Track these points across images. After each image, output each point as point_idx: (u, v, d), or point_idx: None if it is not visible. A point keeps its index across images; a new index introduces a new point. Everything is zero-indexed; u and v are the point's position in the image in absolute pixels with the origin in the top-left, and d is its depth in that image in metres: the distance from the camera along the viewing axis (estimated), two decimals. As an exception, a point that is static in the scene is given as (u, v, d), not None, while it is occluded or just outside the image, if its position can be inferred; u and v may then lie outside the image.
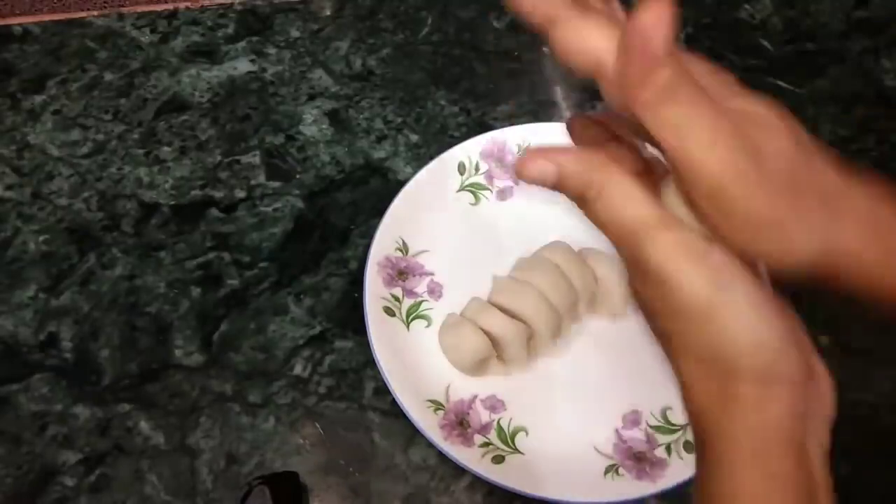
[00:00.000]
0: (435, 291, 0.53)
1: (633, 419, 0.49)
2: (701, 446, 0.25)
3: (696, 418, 0.25)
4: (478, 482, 0.47)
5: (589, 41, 0.24)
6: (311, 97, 0.62)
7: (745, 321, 0.24)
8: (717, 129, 0.24)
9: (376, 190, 0.58)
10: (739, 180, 0.23)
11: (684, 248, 0.24)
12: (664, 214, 0.24)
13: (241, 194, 0.58)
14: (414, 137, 0.60)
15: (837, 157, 0.26)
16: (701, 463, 0.25)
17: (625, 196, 0.24)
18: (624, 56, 0.23)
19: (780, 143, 0.25)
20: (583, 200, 0.25)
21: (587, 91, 0.63)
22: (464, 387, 0.50)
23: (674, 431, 0.48)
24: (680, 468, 0.46)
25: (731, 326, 0.24)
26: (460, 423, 0.48)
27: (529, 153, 0.25)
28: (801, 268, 0.25)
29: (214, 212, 0.57)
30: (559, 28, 0.24)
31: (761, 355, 0.24)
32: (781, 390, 0.24)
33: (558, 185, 0.25)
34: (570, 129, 0.29)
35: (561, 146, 0.26)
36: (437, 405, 0.48)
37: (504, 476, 0.46)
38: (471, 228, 0.56)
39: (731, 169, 0.23)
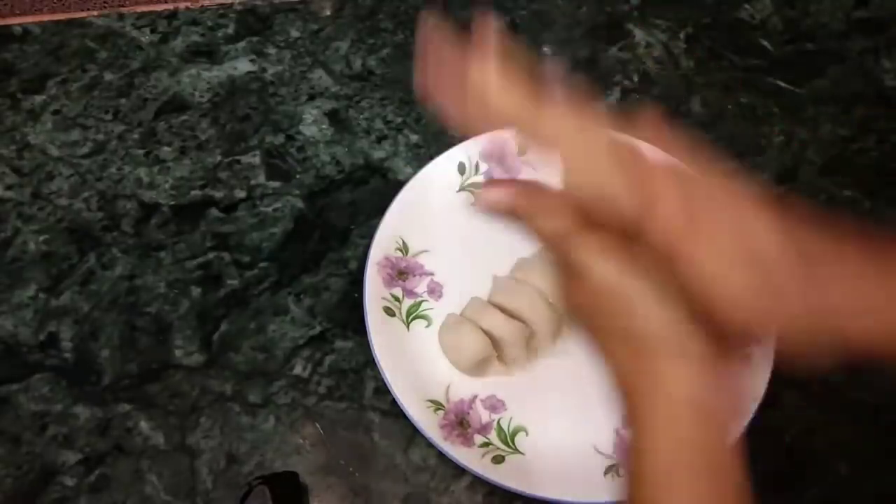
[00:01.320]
0: (435, 291, 0.53)
1: (633, 419, 0.49)
2: (629, 416, 0.29)
3: (624, 393, 0.29)
4: (478, 482, 0.47)
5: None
6: (311, 97, 0.62)
7: (652, 305, 0.27)
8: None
9: (376, 190, 0.58)
10: (746, 297, 0.27)
11: (598, 245, 0.28)
12: (585, 223, 0.29)
13: (241, 194, 0.58)
14: (414, 137, 0.60)
15: (827, 221, 0.28)
16: (631, 435, 0.29)
17: (556, 211, 0.30)
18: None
19: (771, 248, 0.27)
20: (529, 218, 0.31)
21: (587, 91, 0.63)
22: (464, 387, 0.50)
23: (674, 431, 0.48)
24: (680, 468, 0.46)
25: (641, 310, 0.28)
26: (460, 423, 0.48)
27: (488, 185, 0.32)
28: (801, 336, 0.27)
29: (214, 212, 0.57)
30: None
31: (671, 335, 0.27)
32: (691, 366, 0.27)
33: (511, 210, 0.31)
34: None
35: (510, 179, 0.32)
36: (437, 405, 0.48)
37: (504, 476, 0.46)
38: (471, 228, 0.55)
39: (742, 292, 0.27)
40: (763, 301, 0.27)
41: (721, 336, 0.28)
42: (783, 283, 0.27)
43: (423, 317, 0.52)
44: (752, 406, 0.46)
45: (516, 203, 0.31)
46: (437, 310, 0.52)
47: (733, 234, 0.27)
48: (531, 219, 0.31)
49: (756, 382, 0.47)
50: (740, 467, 0.28)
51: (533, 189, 0.31)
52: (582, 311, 0.30)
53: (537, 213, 0.30)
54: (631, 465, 0.28)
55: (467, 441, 0.47)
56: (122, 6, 0.68)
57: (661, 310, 0.27)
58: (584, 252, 0.29)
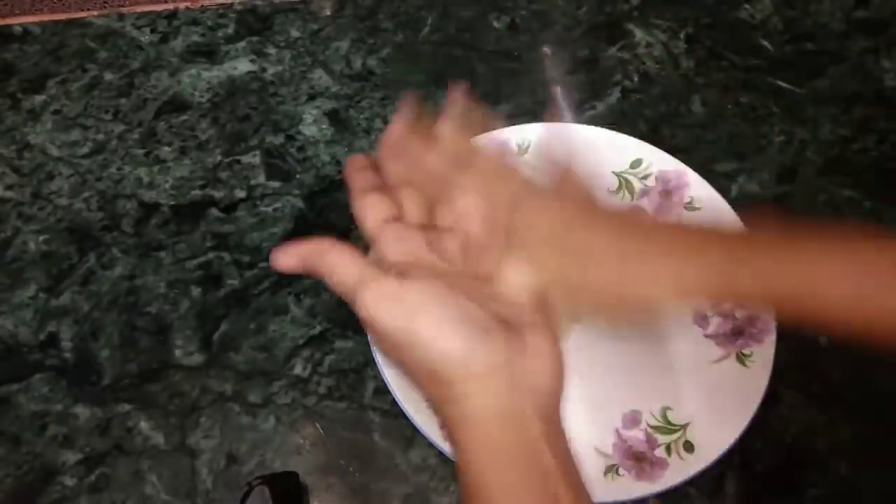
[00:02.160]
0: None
1: (633, 419, 0.49)
2: (452, 445, 0.32)
3: (443, 423, 0.32)
4: (478, 482, 0.47)
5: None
6: (311, 97, 0.62)
7: (432, 339, 0.30)
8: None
9: (376, 190, 0.58)
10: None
11: (380, 296, 0.32)
12: (368, 273, 0.33)
13: (241, 194, 0.58)
14: (414, 137, 0.60)
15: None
16: (455, 458, 0.31)
17: (342, 266, 0.34)
18: None
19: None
20: (322, 275, 0.34)
21: (587, 91, 0.63)
22: (464, 387, 0.50)
23: (674, 431, 0.48)
24: (680, 468, 0.46)
25: (425, 346, 0.31)
26: (460, 423, 0.48)
27: (279, 250, 0.36)
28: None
29: (214, 212, 0.57)
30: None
31: (454, 361, 0.30)
32: (481, 381, 0.30)
33: (304, 270, 0.35)
34: (348, 167, 0.39)
35: (302, 241, 0.35)
36: (437, 405, 0.48)
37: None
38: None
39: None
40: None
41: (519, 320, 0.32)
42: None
43: (423, 317, 0.52)
44: (752, 406, 0.46)
45: (308, 264, 0.35)
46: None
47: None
48: (326, 275, 0.34)
49: (756, 382, 0.47)
50: (558, 451, 0.30)
51: (323, 246, 0.35)
52: (385, 353, 0.35)
53: (329, 270, 0.34)
54: (460, 484, 0.31)
55: (467, 441, 0.47)
56: (122, 6, 0.68)
57: (442, 342, 0.30)
58: (365, 303, 0.32)
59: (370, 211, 0.36)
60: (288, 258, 0.35)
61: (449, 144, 0.36)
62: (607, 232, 0.34)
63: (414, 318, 0.31)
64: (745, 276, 0.31)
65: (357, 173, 0.39)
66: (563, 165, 0.37)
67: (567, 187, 0.36)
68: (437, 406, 0.33)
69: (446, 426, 0.32)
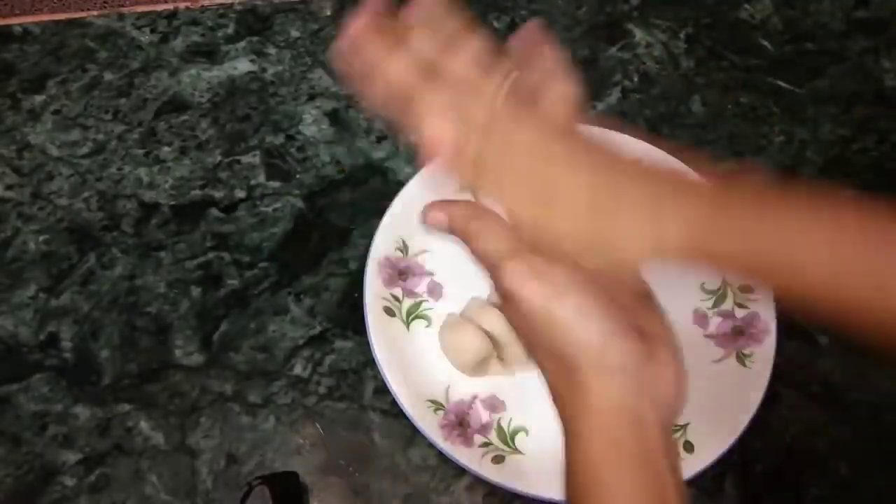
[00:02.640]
0: (435, 291, 0.53)
1: (633, 419, 0.48)
2: (564, 428, 0.31)
3: (558, 405, 0.32)
4: (478, 482, 0.47)
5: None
6: (311, 97, 0.62)
7: (575, 324, 0.30)
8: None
9: (376, 190, 0.58)
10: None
11: (527, 271, 0.31)
12: (516, 247, 0.31)
13: (241, 194, 0.58)
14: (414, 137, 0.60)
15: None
16: (565, 441, 0.31)
17: (491, 236, 0.32)
18: None
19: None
20: (467, 240, 0.33)
21: (587, 91, 0.63)
22: (464, 387, 0.50)
23: (674, 431, 0.48)
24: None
25: (565, 329, 0.30)
26: (460, 424, 0.48)
27: (430, 206, 0.34)
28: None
29: (214, 212, 0.57)
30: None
31: (591, 350, 0.30)
32: (612, 377, 0.30)
33: (450, 231, 0.34)
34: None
35: (455, 203, 0.34)
36: (437, 405, 0.48)
37: (504, 476, 0.46)
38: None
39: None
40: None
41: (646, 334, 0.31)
42: None
43: (423, 317, 0.52)
44: (752, 406, 0.46)
45: (455, 226, 0.34)
46: (437, 310, 0.52)
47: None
48: (469, 241, 0.33)
49: (756, 382, 0.47)
50: (671, 462, 0.30)
51: (472, 212, 0.33)
52: (517, 330, 0.33)
53: (474, 236, 0.33)
54: (566, 466, 0.31)
55: (467, 441, 0.47)
56: (122, 6, 0.68)
57: (582, 330, 0.30)
58: (512, 278, 0.31)
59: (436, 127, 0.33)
60: (439, 215, 0.34)
61: (428, 24, 0.32)
62: (576, 171, 0.32)
63: (558, 300, 0.30)
64: (724, 236, 0.30)
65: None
66: (545, 67, 0.34)
67: (548, 101, 0.33)
68: (557, 393, 0.32)
69: (561, 415, 0.32)
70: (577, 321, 0.30)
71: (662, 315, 0.34)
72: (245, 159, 0.60)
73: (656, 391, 0.30)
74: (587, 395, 0.30)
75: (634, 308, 0.32)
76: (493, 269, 0.32)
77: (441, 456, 0.47)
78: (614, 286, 0.32)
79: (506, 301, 0.32)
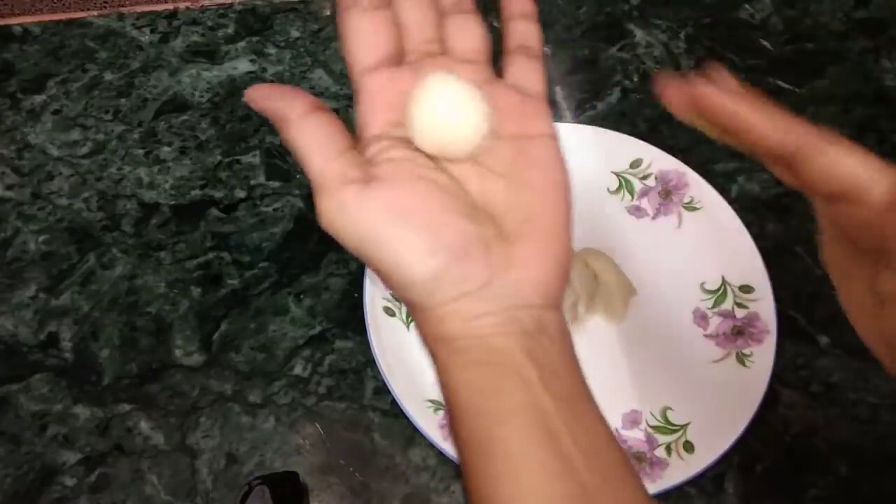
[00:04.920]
0: None
1: (633, 419, 0.49)
2: (432, 363, 0.28)
3: (421, 340, 0.28)
4: (478, 482, 0.47)
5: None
6: (311, 97, 0.62)
7: (396, 261, 0.26)
8: None
9: (376, 190, 0.58)
10: None
11: (339, 207, 0.27)
12: (328, 171, 0.27)
13: (241, 194, 0.58)
14: (414, 137, 0.60)
15: None
16: (435, 376, 0.28)
17: (306, 148, 0.27)
18: None
19: None
20: (287, 143, 0.27)
21: (587, 91, 0.63)
22: (464, 387, 0.50)
23: (674, 431, 0.48)
24: (680, 468, 0.46)
25: (390, 268, 0.26)
26: (460, 423, 0.48)
27: (258, 87, 0.28)
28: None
29: (214, 212, 0.57)
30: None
31: (418, 286, 0.26)
32: (452, 306, 0.26)
33: (274, 122, 0.28)
34: None
35: (283, 90, 0.28)
36: (437, 405, 0.48)
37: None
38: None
39: None
40: None
41: None
42: None
43: (423, 317, 0.52)
44: (752, 406, 0.46)
45: (273, 117, 0.28)
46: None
47: None
48: (289, 146, 0.28)
49: (756, 382, 0.47)
50: (540, 362, 0.26)
51: (291, 105, 0.28)
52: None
53: (292, 141, 0.27)
54: (446, 406, 0.28)
55: (467, 441, 0.47)
56: (122, 6, 0.68)
57: (406, 264, 0.26)
58: (325, 218, 0.28)
59: (359, 45, 0.30)
60: (259, 100, 0.28)
61: None
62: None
63: (375, 240, 0.26)
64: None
65: None
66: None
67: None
68: (417, 326, 0.28)
69: (425, 347, 0.28)
70: (399, 260, 0.26)
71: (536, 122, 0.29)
72: (245, 159, 0.60)
73: (515, 301, 0.27)
74: (434, 325, 0.27)
75: (494, 182, 0.28)
76: (315, 199, 0.28)
77: (441, 456, 0.47)
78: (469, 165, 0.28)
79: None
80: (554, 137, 0.30)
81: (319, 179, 0.27)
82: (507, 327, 0.26)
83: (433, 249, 0.26)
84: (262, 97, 0.28)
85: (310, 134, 0.27)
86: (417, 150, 0.28)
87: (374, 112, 0.29)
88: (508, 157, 0.29)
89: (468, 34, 0.32)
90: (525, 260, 0.27)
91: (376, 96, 0.29)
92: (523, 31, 0.34)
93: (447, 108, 0.28)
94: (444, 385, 0.27)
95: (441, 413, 0.48)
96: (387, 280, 0.27)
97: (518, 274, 0.27)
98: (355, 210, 0.27)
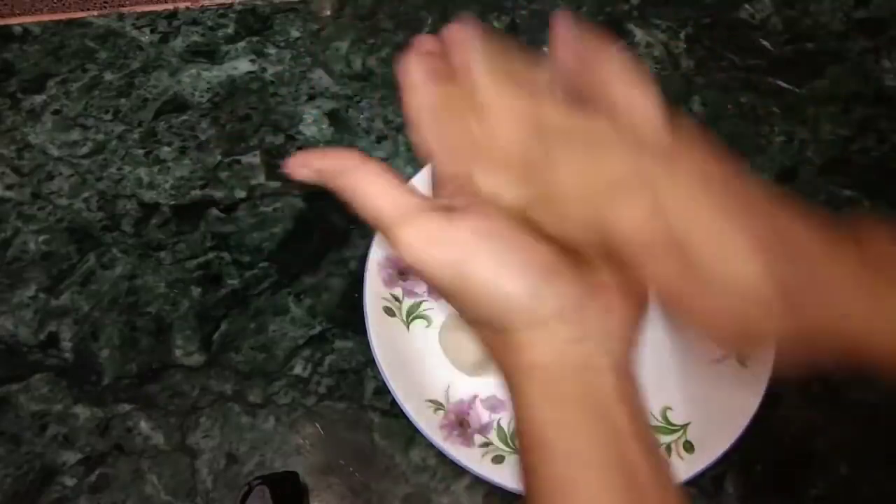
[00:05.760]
0: (435, 291, 0.53)
1: (633, 419, 0.49)
2: (511, 395, 0.28)
3: (500, 371, 0.28)
4: (478, 482, 0.47)
5: None
6: (311, 97, 0.62)
7: (491, 284, 0.26)
8: None
9: (376, 190, 0.58)
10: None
11: (425, 238, 0.26)
12: (405, 205, 0.27)
13: (241, 194, 0.58)
14: (414, 137, 0.60)
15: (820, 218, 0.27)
16: (513, 409, 0.28)
17: (374, 193, 0.28)
18: None
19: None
20: (344, 198, 0.29)
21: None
22: (464, 387, 0.50)
23: (674, 431, 0.48)
24: (680, 468, 0.46)
25: (483, 292, 0.26)
26: (460, 424, 0.48)
27: (296, 159, 0.30)
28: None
29: (214, 212, 0.57)
30: None
31: (516, 306, 0.26)
32: (547, 328, 0.26)
33: (321, 182, 0.30)
34: (413, 49, 0.32)
35: (326, 153, 0.30)
36: (437, 405, 0.48)
37: (504, 476, 0.46)
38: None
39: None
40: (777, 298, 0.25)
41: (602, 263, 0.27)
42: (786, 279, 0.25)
43: (423, 317, 0.52)
44: (752, 406, 0.46)
45: (326, 180, 0.30)
46: (437, 310, 0.52)
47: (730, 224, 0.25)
48: (348, 199, 0.30)
49: (756, 382, 0.47)
50: (630, 406, 0.26)
51: (346, 162, 0.30)
52: (442, 298, 0.29)
53: (352, 193, 0.29)
54: (519, 441, 0.28)
55: (467, 441, 0.47)
56: (122, 6, 0.68)
57: (501, 288, 0.26)
58: (409, 251, 0.27)
59: (415, 93, 0.30)
60: (303, 170, 0.30)
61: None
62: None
63: (467, 263, 0.26)
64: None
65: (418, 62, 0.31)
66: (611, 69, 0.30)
67: (625, 109, 0.28)
68: (495, 357, 0.28)
69: (505, 378, 0.28)
70: (494, 280, 0.26)
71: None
72: (245, 159, 0.60)
73: (605, 324, 0.27)
74: (523, 353, 0.27)
75: (571, 218, 0.28)
76: (384, 232, 0.28)
77: (441, 456, 0.47)
78: (541, 202, 0.28)
79: (411, 271, 0.29)
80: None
81: (397, 214, 0.27)
82: (599, 360, 0.26)
83: (527, 267, 0.26)
84: (305, 162, 0.30)
85: (375, 176, 0.28)
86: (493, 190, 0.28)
87: (447, 162, 0.30)
88: None
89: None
90: (612, 288, 0.27)
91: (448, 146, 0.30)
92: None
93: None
94: (527, 420, 0.27)
95: (441, 413, 0.48)
96: (471, 305, 0.27)
97: (607, 301, 0.27)
98: (443, 236, 0.27)
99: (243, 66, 0.64)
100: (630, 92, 0.29)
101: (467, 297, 0.27)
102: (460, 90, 0.30)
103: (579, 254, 0.27)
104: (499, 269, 0.26)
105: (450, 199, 0.28)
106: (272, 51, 0.65)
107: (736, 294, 0.25)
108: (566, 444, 0.26)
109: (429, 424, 0.47)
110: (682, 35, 0.66)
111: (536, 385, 0.27)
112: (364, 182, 0.28)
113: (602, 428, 0.26)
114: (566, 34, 0.31)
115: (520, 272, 0.26)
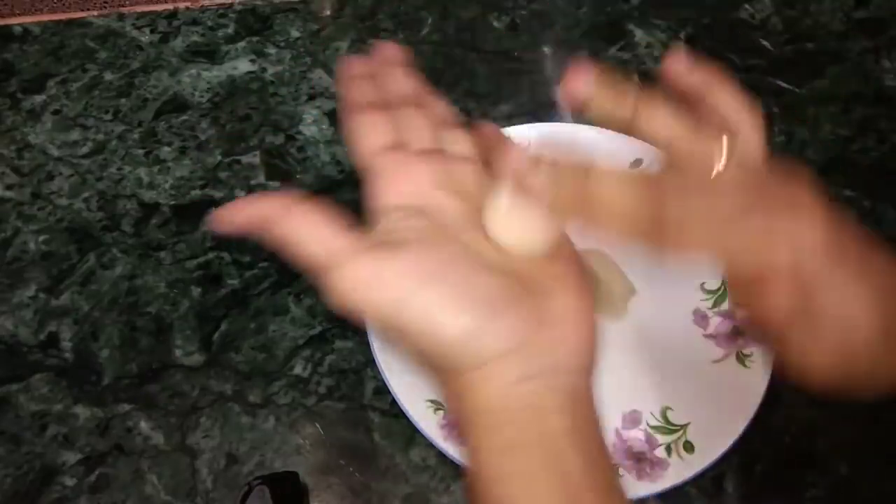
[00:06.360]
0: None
1: (633, 419, 0.49)
2: (461, 439, 0.27)
3: (454, 416, 0.27)
4: (478, 482, 0.47)
5: None
6: (311, 97, 0.62)
7: (425, 329, 0.25)
8: None
9: (376, 190, 0.58)
10: None
11: (357, 282, 0.25)
12: (337, 249, 0.26)
13: (241, 194, 0.58)
14: (414, 137, 0.60)
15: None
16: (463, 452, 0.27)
17: (307, 237, 0.26)
18: None
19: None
20: (280, 245, 0.27)
21: (587, 91, 0.63)
22: (464, 387, 0.50)
23: (674, 431, 0.48)
24: (680, 468, 0.46)
25: (423, 334, 0.25)
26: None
27: (222, 209, 0.28)
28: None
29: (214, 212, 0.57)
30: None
31: (458, 347, 0.25)
32: (489, 370, 0.25)
33: (253, 234, 0.28)
34: (342, 72, 0.32)
35: (257, 198, 0.28)
36: (437, 405, 0.48)
37: (504, 476, 0.46)
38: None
39: None
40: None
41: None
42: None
43: (423, 317, 0.52)
44: (752, 406, 0.46)
45: (259, 230, 0.28)
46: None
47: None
48: (285, 246, 0.27)
49: (756, 382, 0.47)
50: (586, 448, 0.26)
51: (282, 208, 0.28)
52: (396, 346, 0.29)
53: (288, 240, 0.28)
54: (469, 489, 0.27)
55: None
56: (122, 6, 0.68)
57: (441, 329, 0.25)
58: (344, 296, 0.26)
59: (366, 136, 0.30)
60: (230, 221, 0.28)
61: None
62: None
63: (405, 303, 0.25)
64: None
65: (353, 83, 0.32)
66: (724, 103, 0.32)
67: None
68: (447, 403, 0.28)
69: (458, 424, 0.27)
70: (434, 320, 0.25)
71: (563, 247, 0.29)
72: (245, 159, 0.60)
73: (554, 359, 0.26)
74: (467, 397, 0.26)
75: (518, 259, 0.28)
76: (320, 278, 0.26)
77: (441, 456, 0.47)
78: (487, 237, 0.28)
79: (355, 317, 0.27)
80: None
81: (326, 257, 0.26)
82: (549, 399, 0.25)
83: (465, 306, 0.25)
84: (231, 214, 0.28)
85: (303, 220, 0.27)
86: (432, 218, 0.28)
87: (388, 185, 0.29)
88: None
89: (460, 144, 0.32)
90: (558, 317, 0.27)
91: (390, 171, 0.29)
92: None
93: (527, 215, 0.28)
94: (473, 473, 0.26)
95: (441, 413, 0.48)
96: (415, 347, 0.26)
97: (552, 333, 0.26)
98: (375, 278, 0.25)
99: (243, 66, 0.64)
100: (739, 117, 0.30)
101: (409, 340, 0.26)
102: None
103: (531, 279, 0.27)
104: (438, 309, 0.25)
105: (391, 231, 0.27)
106: (272, 51, 0.65)
107: (849, 334, 0.25)
108: (518, 494, 0.25)
109: (429, 424, 0.46)
110: (682, 35, 0.66)
111: (482, 432, 0.25)
112: (294, 230, 0.27)
113: (553, 481, 0.24)
114: (680, 64, 0.33)
115: (460, 310, 0.25)
